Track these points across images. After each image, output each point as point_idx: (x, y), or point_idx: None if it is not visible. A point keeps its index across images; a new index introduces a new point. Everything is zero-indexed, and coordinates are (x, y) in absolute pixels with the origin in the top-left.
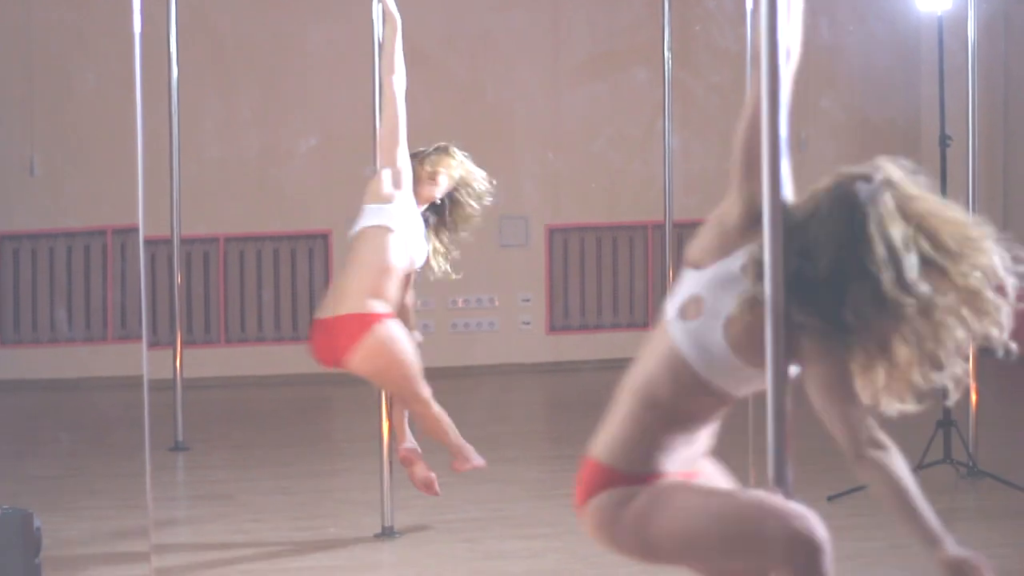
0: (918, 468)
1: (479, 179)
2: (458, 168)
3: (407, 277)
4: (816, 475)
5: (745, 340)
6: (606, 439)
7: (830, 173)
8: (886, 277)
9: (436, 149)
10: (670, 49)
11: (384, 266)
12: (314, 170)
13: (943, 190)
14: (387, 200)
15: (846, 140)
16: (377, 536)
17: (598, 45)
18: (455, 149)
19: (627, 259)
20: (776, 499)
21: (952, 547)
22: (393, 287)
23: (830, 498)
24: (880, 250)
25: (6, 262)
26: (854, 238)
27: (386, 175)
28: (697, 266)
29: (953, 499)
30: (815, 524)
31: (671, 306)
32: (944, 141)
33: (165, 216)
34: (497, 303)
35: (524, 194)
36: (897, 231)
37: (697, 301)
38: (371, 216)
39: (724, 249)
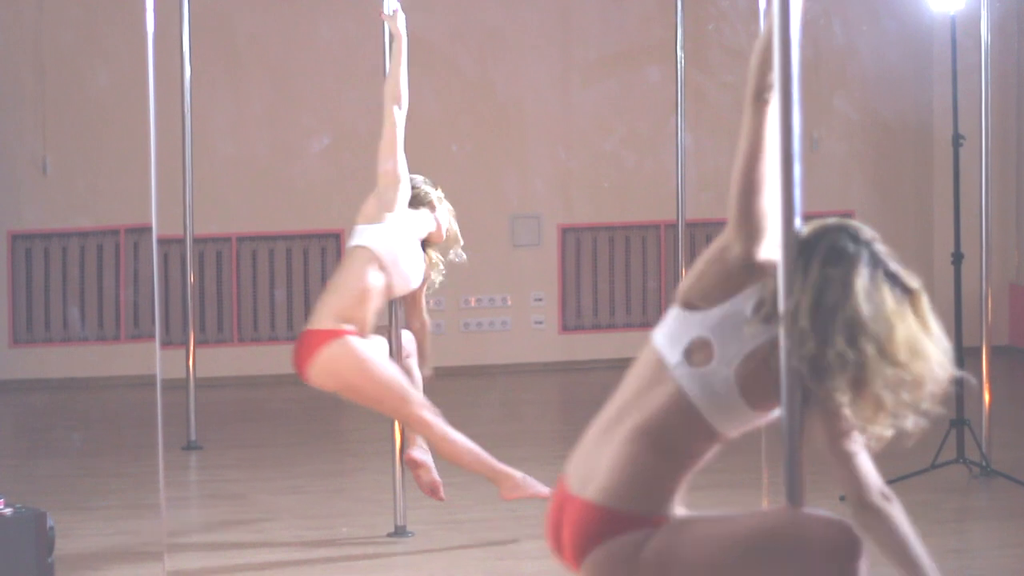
0: (931, 467)
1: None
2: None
3: (414, 297)
4: (827, 475)
5: (756, 385)
6: (606, 481)
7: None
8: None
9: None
10: (683, 47)
11: (357, 289)
12: (327, 169)
13: (956, 189)
14: (376, 220)
15: (859, 140)
16: (390, 535)
17: (610, 43)
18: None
19: (640, 258)
20: (800, 510)
21: None
22: (367, 310)
23: (843, 498)
24: (863, 307)
25: (19, 261)
26: (837, 290)
27: (380, 190)
28: (694, 306)
29: (966, 499)
30: (850, 526)
31: (669, 346)
32: (957, 140)
33: (178, 215)
34: (510, 302)
35: (536, 193)
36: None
37: (706, 345)
38: (356, 236)
39: (727, 290)
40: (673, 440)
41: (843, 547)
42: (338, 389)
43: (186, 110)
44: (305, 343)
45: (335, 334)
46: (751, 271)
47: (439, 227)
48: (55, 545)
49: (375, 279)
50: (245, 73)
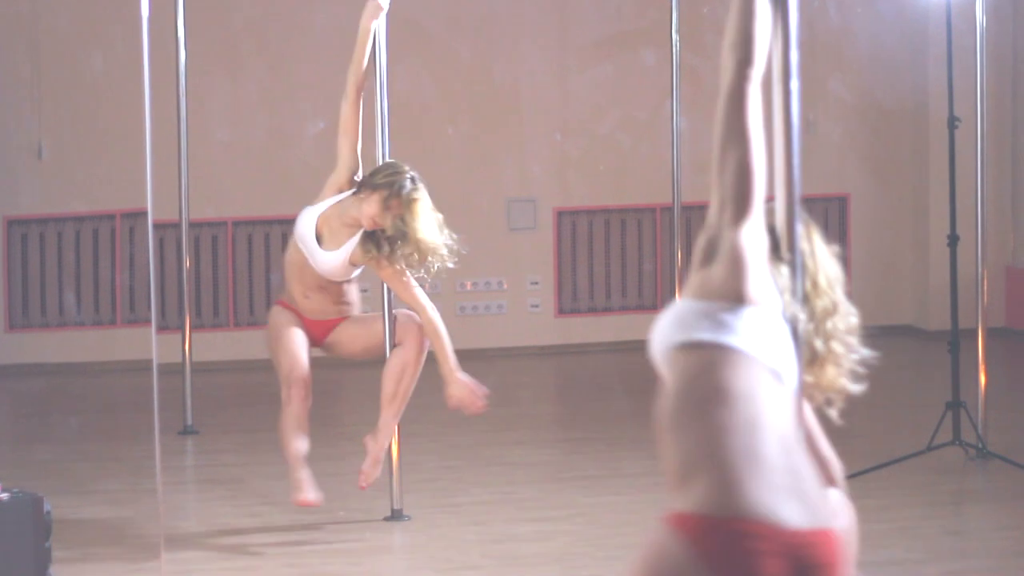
0: (927, 449)
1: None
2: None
3: (395, 288)
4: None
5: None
6: (811, 500)
7: None
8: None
9: (404, 187)
10: (678, 31)
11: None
12: (322, 153)
13: (952, 172)
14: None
15: (854, 122)
16: (387, 519)
17: (605, 27)
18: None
19: (636, 241)
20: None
21: None
22: (291, 284)
23: None
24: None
25: (14, 246)
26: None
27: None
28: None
29: (962, 481)
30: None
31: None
32: (953, 123)
33: (173, 200)
34: (506, 286)
35: (532, 177)
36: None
37: None
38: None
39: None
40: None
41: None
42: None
43: (181, 95)
44: None
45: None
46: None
47: (363, 216)
48: (52, 530)
49: (292, 255)
50: (241, 57)
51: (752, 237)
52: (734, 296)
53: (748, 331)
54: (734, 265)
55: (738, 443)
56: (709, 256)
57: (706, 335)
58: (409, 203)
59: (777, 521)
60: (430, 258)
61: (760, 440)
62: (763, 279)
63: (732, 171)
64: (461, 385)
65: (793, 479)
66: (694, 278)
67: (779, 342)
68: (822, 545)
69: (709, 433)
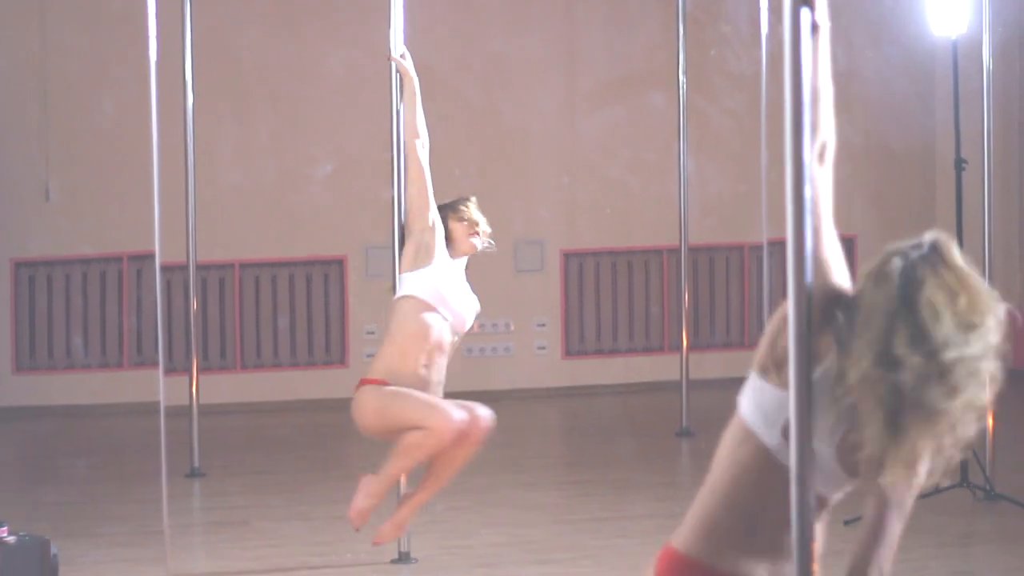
0: (935, 491)
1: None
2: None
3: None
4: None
5: (855, 452)
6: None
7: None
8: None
9: (463, 201)
10: (685, 73)
11: (400, 340)
12: (330, 196)
13: (959, 213)
14: (423, 266)
15: (862, 164)
16: (394, 562)
17: (613, 69)
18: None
19: (643, 283)
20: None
21: None
22: (413, 361)
23: (847, 522)
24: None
25: (22, 288)
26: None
27: (416, 239)
28: (775, 380)
29: (970, 522)
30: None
31: (764, 426)
32: (960, 165)
33: (181, 242)
34: (513, 328)
35: (540, 219)
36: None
37: None
38: (405, 285)
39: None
40: (752, 497)
41: None
42: (371, 433)
43: (189, 137)
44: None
45: (370, 381)
46: (821, 332)
47: (480, 235)
48: (59, 573)
49: (422, 326)
50: (248, 100)
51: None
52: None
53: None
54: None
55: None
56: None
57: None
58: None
59: None
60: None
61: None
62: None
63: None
64: None
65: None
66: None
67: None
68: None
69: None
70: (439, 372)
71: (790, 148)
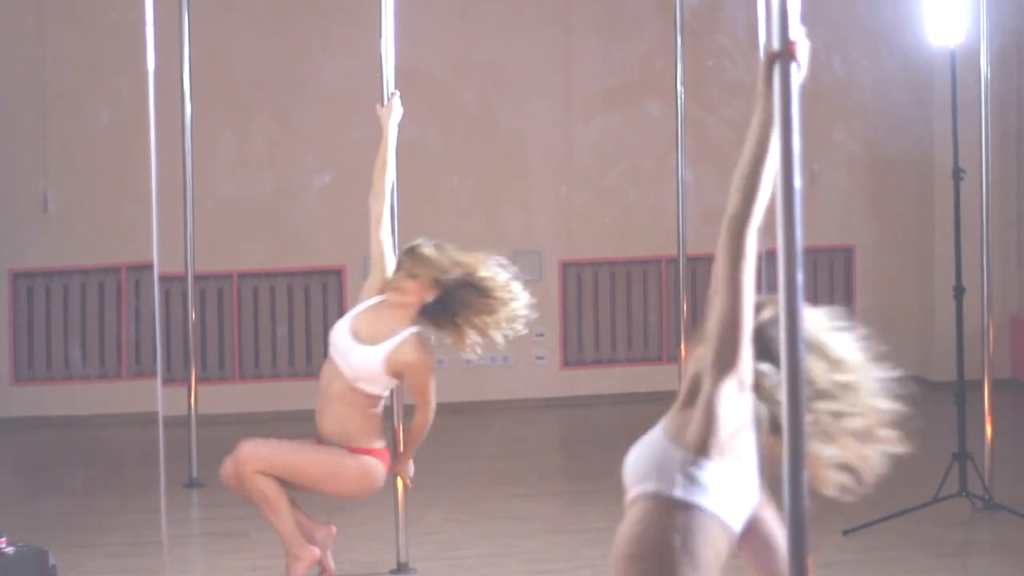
0: (934, 501)
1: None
2: (438, 263)
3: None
4: (831, 508)
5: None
6: None
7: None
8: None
9: (408, 250)
10: (682, 83)
11: None
12: (328, 206)
13: (957, 223)
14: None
15: (859, 173)
16: (392, 572)
17: (610, 78)
18: (428, 246)
19: (641, 293)
20: None
21: None
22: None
23: (846, 532)
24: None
25: (20, 299)
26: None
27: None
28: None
29: (969, 532)
30: None
31: (658, 479)
32: (957, 174)
33: (179, 253)
34: (511, 338)
35: (537, 228)
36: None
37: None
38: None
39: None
40: None
41: None
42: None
43: (187, 148)
44: None
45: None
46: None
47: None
48: None
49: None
50: (246, 111)
51: (730, 395)
52: (702, 448)
53: (716, 489)
54: (707, 419)
55: None
56: (692, 393)
57: (679, 492)
58: (431, 249)
59: None
60: (508, 296)
61: None
62: (736, 432)
63: (720, 322)
64: (408, 466)
65: None
66: (676, 417)
67: (741, 496)
68: None
69: None
70: (329, 421)
71: (781, 158)
